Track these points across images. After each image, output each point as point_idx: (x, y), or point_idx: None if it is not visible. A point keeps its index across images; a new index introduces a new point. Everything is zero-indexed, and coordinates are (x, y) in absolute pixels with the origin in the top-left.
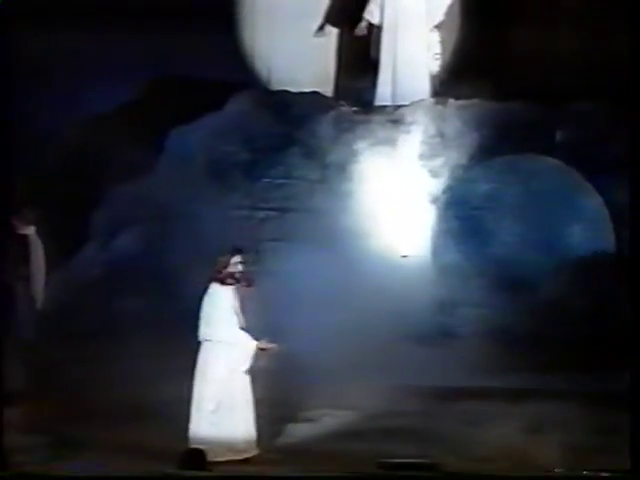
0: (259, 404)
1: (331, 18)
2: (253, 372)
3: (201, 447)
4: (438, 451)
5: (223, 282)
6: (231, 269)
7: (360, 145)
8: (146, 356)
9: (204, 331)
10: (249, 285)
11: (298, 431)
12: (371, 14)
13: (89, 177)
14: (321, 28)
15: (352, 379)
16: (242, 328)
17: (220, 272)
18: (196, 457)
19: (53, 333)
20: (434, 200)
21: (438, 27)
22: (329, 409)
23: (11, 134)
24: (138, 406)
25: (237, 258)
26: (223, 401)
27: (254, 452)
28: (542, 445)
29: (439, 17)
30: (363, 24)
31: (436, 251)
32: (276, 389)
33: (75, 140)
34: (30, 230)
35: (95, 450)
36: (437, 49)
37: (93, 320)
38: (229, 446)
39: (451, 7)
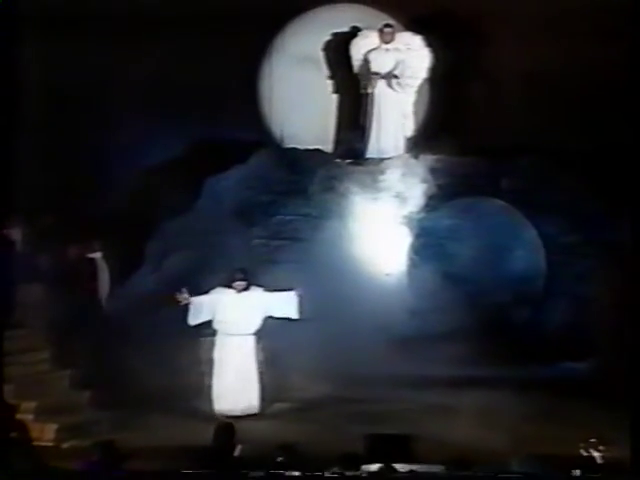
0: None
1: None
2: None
3: (230, 422)
4: (412, 428)
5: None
6: (234, 284)
7: (352, 189)
8: (189, 352)
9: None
10: (244, 289)
11: (294, 398)
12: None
13: (144, 215)
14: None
15: (341, 370)
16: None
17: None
18: (226, 430)
19: (116, 334)
20: (410, 231)
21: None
22: (312, 389)
23: (83, 183)
24: (185, 388)
25: (239, 276)
26: (234, 377)
27: (256, 411)
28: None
29: (412, 93)
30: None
31: (411, 270)
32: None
33: (134, 186)
34: (98, 255)
35: (150, 421)
36: (410, 116)
37: (147, 325)
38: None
39: (421, 85)
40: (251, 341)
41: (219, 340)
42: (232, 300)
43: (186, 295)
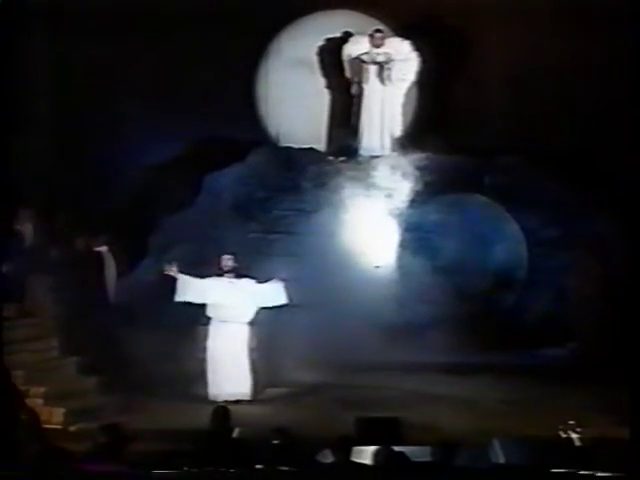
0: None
1: (331, 91)
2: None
3: (227, 406)
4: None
5: (218, 275)
6: (224, 267)
7: (343, 186)
8: (191, 339)
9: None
10: (237, 275)
11: (288, 383)
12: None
13: (147, 210)
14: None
15: (333, 357)
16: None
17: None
18: (223, 413)
19: (121, 322)
20: (398, 225)
21: (400, 101)
22: (305, 375)
23: (90, 181)
24: (186, 374)
25: (227, 258)
26: (227, 363)
27: (249, 397)
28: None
29: (401, 95)
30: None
31: (399, 263)
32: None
33: (138, 183)
34: (104, 248)
35: (154, 405)
36: (399, 117)
37: (150, 312)
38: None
39: (409, 87)
40: (244, 328)
41: (213, 327)
42: (224, 287)
43: (175, 269)
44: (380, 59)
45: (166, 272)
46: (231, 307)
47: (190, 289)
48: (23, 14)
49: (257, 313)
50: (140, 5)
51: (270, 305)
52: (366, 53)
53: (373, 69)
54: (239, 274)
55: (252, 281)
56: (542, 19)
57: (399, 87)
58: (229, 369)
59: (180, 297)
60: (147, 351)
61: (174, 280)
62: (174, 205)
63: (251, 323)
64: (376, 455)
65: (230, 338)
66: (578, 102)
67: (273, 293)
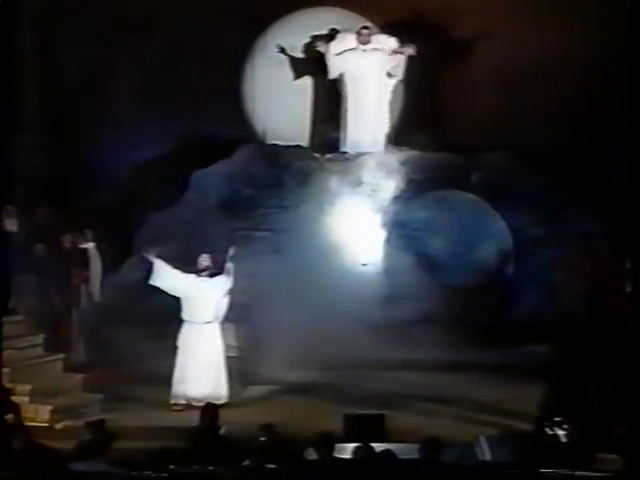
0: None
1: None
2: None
3: (216, 403)
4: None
5: (195, 273)
6: (199, 265)
7: (330, 183)
8: (175, 336)
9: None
10: (212, 275)
11: (261, 388)
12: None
13: (134, 207)
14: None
15: (317, 353)
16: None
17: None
18: (211, 410)
19: (107, 320)
20: (385, 223)
21: (388, 99)
22: (292, 373)
23: (77, 177)
24: (169, 373)
25: (204, 257)
26: (201, 364)
27: (224, 401)
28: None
29: (388, 94)
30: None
31: (386, 260)
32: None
33: (124, 180)
34: (90, 245)
35: (138, 405)
36: (387, 115)
37: (136, 310)
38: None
39: (397, 86)
40: (217, 329)
41: (185, 327)
42: (197, 285)
43: (152, 253)
44: (365, 68)
45: (144, 254)
46: (202, 307)
47: (162, 276)
48: (15, 11)
49: (244, 311)
50: (129, 5)
51: (225, 293)
52: (353, 50)
53: (376, 56)
54: (213, 273)
55: (219, 276)
56: (529, 17)
57: (386, 84)
58: (204, 370)
59: (153, 281)
60: (133, 349)
61: (151, 264)
62: (160, 202)
63: (236, 321)
64: (355, 452)
65: (203, 339)
66: (565, 100)
67: (223, 283)
